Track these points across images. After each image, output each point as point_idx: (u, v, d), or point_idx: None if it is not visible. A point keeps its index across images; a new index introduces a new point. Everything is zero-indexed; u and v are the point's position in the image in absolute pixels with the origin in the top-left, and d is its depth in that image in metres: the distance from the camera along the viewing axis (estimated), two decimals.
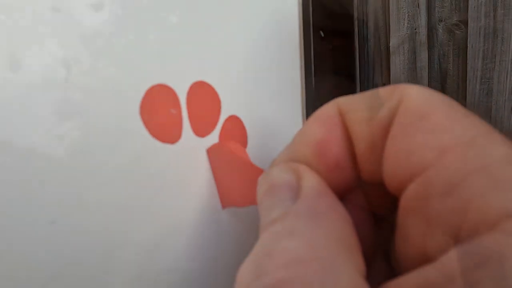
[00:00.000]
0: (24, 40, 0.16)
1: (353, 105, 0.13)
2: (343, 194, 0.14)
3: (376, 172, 0.13)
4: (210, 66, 0.22)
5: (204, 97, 0.22)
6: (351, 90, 0.43)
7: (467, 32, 0.39)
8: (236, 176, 0.20)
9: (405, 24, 0.43)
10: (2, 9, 0.16)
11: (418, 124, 0.11)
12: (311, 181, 0.12)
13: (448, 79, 0.41)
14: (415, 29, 0.42)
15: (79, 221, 0.18)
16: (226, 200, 0.22)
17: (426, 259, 0.11)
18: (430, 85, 0.42)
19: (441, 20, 0.41)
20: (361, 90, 0.45)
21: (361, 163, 0.13)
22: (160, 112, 0.20)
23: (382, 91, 0.13)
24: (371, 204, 0.14)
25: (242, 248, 0.24)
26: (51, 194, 0.17)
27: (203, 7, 0.22)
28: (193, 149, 0.21)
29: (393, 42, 0.43)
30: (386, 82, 0.44)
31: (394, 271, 0.13)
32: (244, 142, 0.23)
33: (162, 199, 0.21)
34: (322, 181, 0.13)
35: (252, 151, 0.24)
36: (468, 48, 0.39)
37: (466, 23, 0.39)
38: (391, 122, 0.12)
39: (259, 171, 0.18)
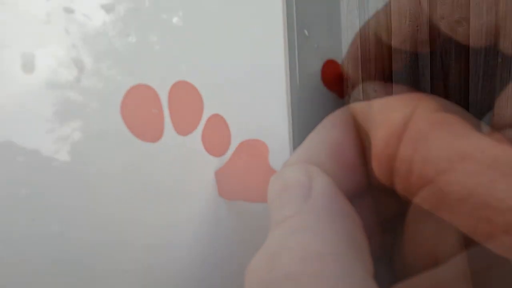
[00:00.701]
0: (31, 41, 0.17)
1: (367, 110, 0.13)
2: (352, 197, 0.14)
3: (387, 177, 0.13)
4: (191, 65, 0.23)
5: (185, 96, 0.22)
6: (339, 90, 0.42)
7: (469, 29, 0.38)
8: (251, 171, 0.21)
9: (407, 22, 0.42)
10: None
11: (434, 130, 0.12)
12: (322, 182, 0.13)
13: (450, 77, 0.40)
14: (417, 26, 0.42)
15: (76, 223, 0.19)
16: (231, 193, 0.23)
17: (436, 261, 0.11)
18: (432, 83, 0.42)
19: (443, 17, 0.40)
20: (362, 90, 0.45)
21: (372, 167, 0.13)
22: (141, 112, 0.21)
23: (396, 98, 0.13)
24: (378, 208, 0.15)
25: (238, 240, 0.25)
26: (53, 194, 0.18)
27: (186, 7, 0.22)
28: (174, 148, 0.22)
29: (394, 40, 0.43)
30: (388, 80, 0.44)
31: (393, 272, 0.13)
32: (228, 140, 0.24)
33: (148, 197, 0.21)
34: (333, 182, 0.13)
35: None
36: (470, 45, 0.38)
37: (468, 20, 0.38)
38: (405, 128, 0.12)
39: (271, 171, 0.19)
